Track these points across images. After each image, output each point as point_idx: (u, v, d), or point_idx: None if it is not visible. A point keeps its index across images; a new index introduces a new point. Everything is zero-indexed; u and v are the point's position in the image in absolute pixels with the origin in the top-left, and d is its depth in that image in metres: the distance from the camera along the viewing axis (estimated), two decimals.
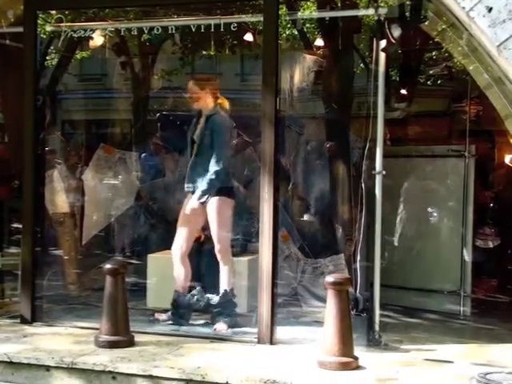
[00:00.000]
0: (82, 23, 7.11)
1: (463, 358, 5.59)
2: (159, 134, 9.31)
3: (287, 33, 10.55)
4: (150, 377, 5.11)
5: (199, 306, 6.46)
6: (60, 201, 7.91)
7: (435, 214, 7.87)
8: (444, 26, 6.20)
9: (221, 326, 6.32)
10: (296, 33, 9.90)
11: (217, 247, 6.41)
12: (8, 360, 5.42)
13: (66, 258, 7.92)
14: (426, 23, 6.15)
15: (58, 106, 12.87)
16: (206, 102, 6.52)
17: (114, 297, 5.68)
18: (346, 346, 5.14)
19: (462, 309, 7.40)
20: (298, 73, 7.96)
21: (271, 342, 5.86)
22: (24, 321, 6.47)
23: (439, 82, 12.23)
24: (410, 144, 9.60)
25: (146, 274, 7.40)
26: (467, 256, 7.50)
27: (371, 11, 6.30)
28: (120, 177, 8.58)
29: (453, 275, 7.54)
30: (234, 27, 6.36)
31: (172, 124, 8.17)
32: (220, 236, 6.39)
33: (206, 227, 6.60)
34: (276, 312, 5.96)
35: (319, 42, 8.65)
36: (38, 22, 6.85)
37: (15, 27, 6.81)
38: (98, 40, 6.91)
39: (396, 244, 7.88)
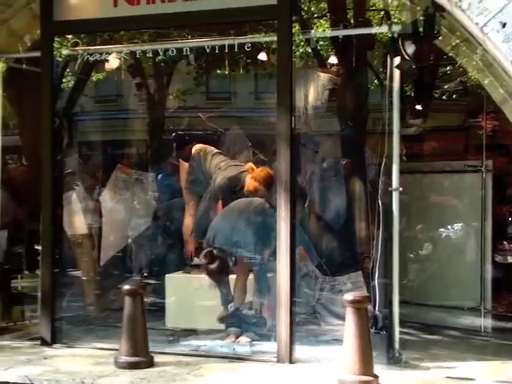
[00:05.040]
0: (98, 46, 7.18)
1: (485, 375, 5.54)
2: (175, 154, 9.33)
3: (301, 51, 10.59)
4: None
5: None
6: (78, 222, 7.96)
7: (453, 230, 7.83)
8: (458, 41, 6.22)
9: (244, 339, 6.44)
10: (310, 51, 9.94)
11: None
12: (29, 382, 5.44)
13: (84, 279, 7.96)
14: (440, 39, 6.16)
15: (75, 128, 12.97)
16: None
17: (133, 317, 5.69)
18: (365, 364, 5.10)
19: (482, 325, 7.33)
20: (313, 91, 7.97)
21: (290, 361, 5.85)
22: (44, 342, 6.50)
23: (454, 96, 12.21)
24: (426, 160, 9.58)
25: (165, 294, 7.41)
26: (487, 272, 7.44)
27: (385, 28, 6.33)
28: (137, 197, 8.62)
29: (472, 291, 7.48)
30: (247, 47, 6.39)
31: (188, 144, 8.20)
32: None
33: None
34: (295, 331, 5.95)
35: (333, 59, 8.67)
36: (55, 45, 6.93)
37: (32, 52, 6.91)
38: (113, 62, 6.98)
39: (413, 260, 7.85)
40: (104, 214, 8.31)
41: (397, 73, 5.96)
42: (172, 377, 5.42)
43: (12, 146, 10.14)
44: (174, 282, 7.45)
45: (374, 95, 9.29)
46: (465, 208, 7.81)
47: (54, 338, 6.53)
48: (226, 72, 7.67)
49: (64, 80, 11.05)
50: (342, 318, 5.62)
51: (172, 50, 6.66)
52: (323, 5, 10.71)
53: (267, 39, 6.67)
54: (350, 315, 5.14)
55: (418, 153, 10.50)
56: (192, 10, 6.30)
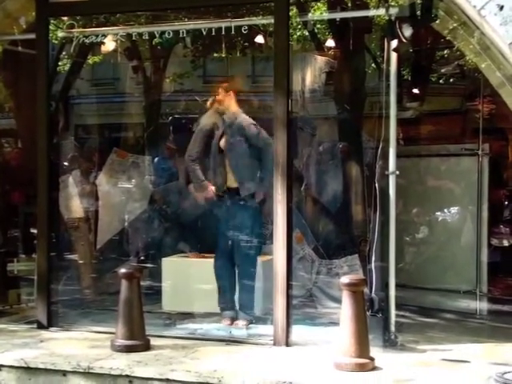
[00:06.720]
0: (94, 28, 7.14)
1: (480, 357, 5.56)
2: (172, 138, 9.33)
3: (298, 34, 10.54)
4: (167, 380, 5.11)
5: None
6: (74, 206, 7.96)
7: (450, 214, 7.84)
8: (455, 25, 6.17)
9: (241, 322, 6.47)
10: (307, 34, 9.89)
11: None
12: (25, 365, 5.45)
13: (81, 262, 7.97)
14: (437, 22, 6.13)
15: (71, 111, 12.93)
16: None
17: (130, 301, 5.69)
18: (362, 347, 5.12)
19: (478, 308, 7.36)
20: (310, 74, 7.95)
21: (287, 344, 5.86)
22: (40, 326, 6.51)
23: (451, 80, 12.17)
24: (423, 143, 9.57)
25: (161, 278, 7.42)
26: (483, 255, 7.47)
27: (382, 11, 6.30)
28: (133, 181, 8.62)
29: (468, 274, 7.51)
30: (244, 30, 6.36)
31: (185, 127, 8.19)
32: None
33: None
34: (291, 314, 5.96)
35: (330, 42, 8.64)
36: (50, 28, 6.88)
37: (27, 34, 6.86)
38: (109, 45, 6.95)
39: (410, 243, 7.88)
40: (100, 198, 8.31)
41: (394, 56, 5.93)
42: (168, 360, 5.44)
43: (8, 129, 10.11)
44: (171, 265, 7.46)
45: (371, 79, 9.27)
46: (461, 191, 7.82)
47: (51, 322, 6.53)
48: (223, 55, 7.63)
49: (60, 63, 10.98)
50: (338, 301, 5.65)
51: (168, 33, 6.63)
52: None
53: (264, 22, 6.64)
54: (346, 298, 5.15)
55: (415, 136, 10.49)
56: None
